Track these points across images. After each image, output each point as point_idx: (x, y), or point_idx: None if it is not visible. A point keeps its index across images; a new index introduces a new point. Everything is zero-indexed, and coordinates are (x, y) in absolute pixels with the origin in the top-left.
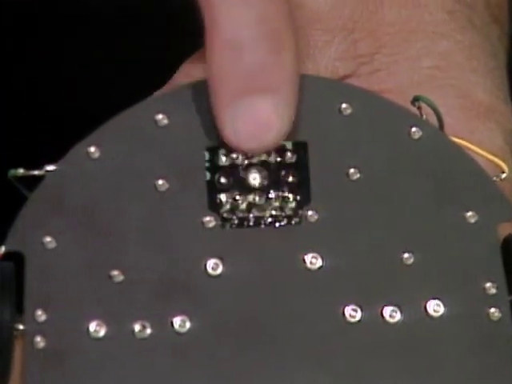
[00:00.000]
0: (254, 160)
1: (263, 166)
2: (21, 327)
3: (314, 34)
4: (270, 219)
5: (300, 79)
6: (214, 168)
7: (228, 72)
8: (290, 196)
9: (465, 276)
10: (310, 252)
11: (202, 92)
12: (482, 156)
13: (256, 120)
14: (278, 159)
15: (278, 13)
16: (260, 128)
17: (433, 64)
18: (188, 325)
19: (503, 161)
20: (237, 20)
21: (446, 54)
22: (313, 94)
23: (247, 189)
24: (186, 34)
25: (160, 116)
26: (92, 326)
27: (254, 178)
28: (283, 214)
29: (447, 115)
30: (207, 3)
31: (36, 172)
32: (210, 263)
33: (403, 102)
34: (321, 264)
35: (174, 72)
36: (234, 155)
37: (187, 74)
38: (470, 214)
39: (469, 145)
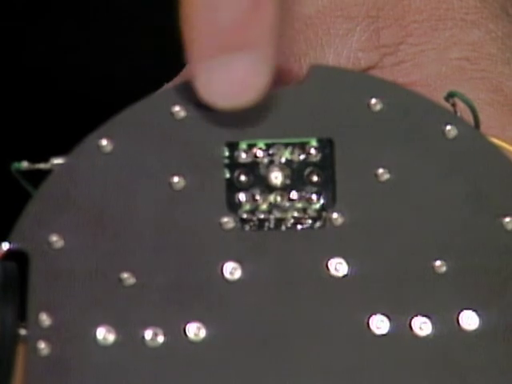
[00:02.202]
0: (277, 158)
1: (286, 164)
2: (24, 332)
3: (335, 22)
4: (291, 221)
5: (326, 72)
6: (234, 165)
7: (202, 29)
8: (314, 197)
9: (501, 286)
10: (334, 258)
11: None
12: None
13: (232, 79)
14: (302, 157)
15: None
16: (236, 88)
17: (462, 55)
18: (203, 333)
19: None
20: None
21: (476, 44)
22: (339, 88)
23: (268, 188)
24: None
25: (177, 108)
26: (100, 333)
27: (276, 177)
28: (306, 216)
29: (477, 110)
30: None
31: (42, 165)
32: (228, 267)
33: (430, 96)
34: (346, 271)
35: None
36: (255, 152)
37: None
38: (507, 219)
39: (506, 145)
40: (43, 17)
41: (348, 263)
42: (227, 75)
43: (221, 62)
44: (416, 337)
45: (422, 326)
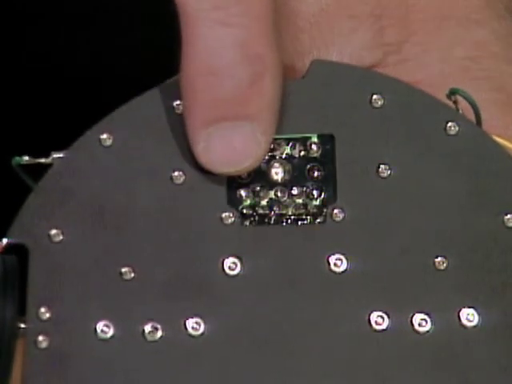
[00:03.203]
0: (277, 153)
1: (287, 159)
2: (23, 326)
3: (339, 20)
4: (292, 217)
5: (328, 67)
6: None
7: (202, 97)
8: (315, 193)
9: (502, 284)
10: (334, 253)
11: None
12: None
13: (232, 147)
14: (303, 153)
15: (260, 35)
16: (236, 156)
17: (466, 54)
18: (202, 327)
19: None
20: (214, 43)
21: (480, 43)
22: (341, 84)
23: (269, 183)
24: None
25: (177, 102)
26: (99, 326)
27: (277, 173)
28: (307, 211)
29: (480, 109)
30: (185, 20)
31: (43, 160)
32: (228, 262)
33: (433, 94)
34: (346, 266)
35: None
36: None
37: None
38: (508, 216)
39: (508, 143)
40: (43, 17)
41: (348, 259)
42: (226, 143)
43: (220, 130)
44: (416, 334)
45: (421, 323)
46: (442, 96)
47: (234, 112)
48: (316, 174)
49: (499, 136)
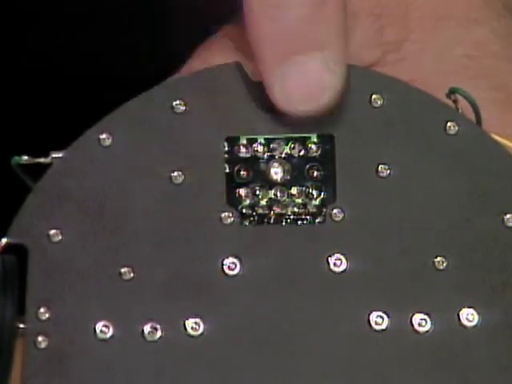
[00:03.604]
0: (277, 153)
1: (286, 159)
2: (22, 326)
3: None
4: (291, 217)
5: None
6: (234, 160)
7: (270, 33)
8: (314, 192)
9: (502, 283)
10: (334, 253)
11: (221, 78)
12: None
13: (308, 81)
14: (302, 152)
15: None
16: (314, 88)
17: (465, 53)
18: (201, 328)
19: None
20: None
21: (479, 42)
22: None
23: (268, 183)
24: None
25: (177, 102)
26: (98, 327)
27: (276, 172)
28: (306, 211)
29: (480, 108)
30: None
31: (42, 159)
32: (227, 262)
33: (432, 93)
34: (345, 266)
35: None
36: (256, 147)
37: (204, 60)
38: (508, 216)
39: (508, 142)
40: (43, 17)
41: (348, 259)
42: (302, 78)
43: (294, 65)
44: (416, 333)
45: (421, 322)
46: (441, 95)
47: (303, 43)
48: (315, 173)
49: (499, 135)
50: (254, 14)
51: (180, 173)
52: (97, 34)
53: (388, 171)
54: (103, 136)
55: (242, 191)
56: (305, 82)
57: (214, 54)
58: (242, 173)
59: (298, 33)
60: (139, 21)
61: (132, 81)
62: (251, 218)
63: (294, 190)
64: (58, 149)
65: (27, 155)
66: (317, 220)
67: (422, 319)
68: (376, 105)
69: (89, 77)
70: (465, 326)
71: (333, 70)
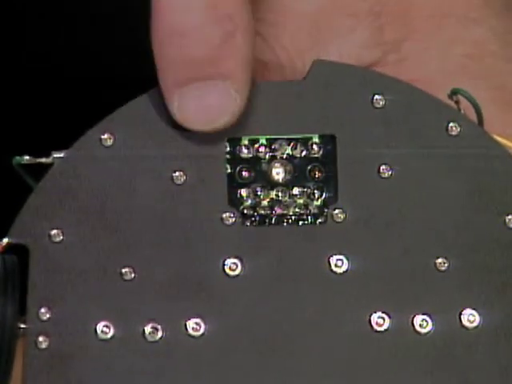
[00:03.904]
0: (278, 153)
1: (288, 159)
2: (23, 325)
3: (338, 19)
4: (293, 217)
5: (329, 68)
6: (235, 160)
7: (172, 58)
8: (316, 193)
9: (503, 284)
10: (335, 254)
11: None
12: None
13: (206, 104)
14: (304, 153)
15: None
16: (211, 113)
17: (465, 52)
18: (202, 328)
19: None
20: (182, 4)
21: (479, 41)
22: (342, 84)
23: (270, 184)
24: None
25: None
26: (99, 327)
27: (278, 173)
28: (308, 212)
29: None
30: None
31: (43, 159)
32: (228, 263)
33: (432, 93)
34: (347, 267)
35: None
36: (257, 147)
37: None
38: (510, 217)
39: (509, 143)
40: (43, 17)
41: (349, 260)
42: (200, 102)
43: (193, 90)
44: (417, 334)
45: (422, 324)
46: (442, 95)
47: (206, 72)
48: (317, 174)
49: (500, 136)
50: (159, 38)
51: (181, 173)
52: (97, 34)
53: (390, 172)
54: (105, 136)
55: (244, 192)
56: (203, 105)
57: None
58: (243, 173)
59: (202, 61)
60: (139, 21)
61: (132, 81)
62: (253, 219)
63: (295, 191)
64: (58, 149)
65: (28, 155)
66: (318, 220)
67: (423, 320)
68: (378, 105)
69: (89, 77)
70: (466, 327)
71: (233, 98)
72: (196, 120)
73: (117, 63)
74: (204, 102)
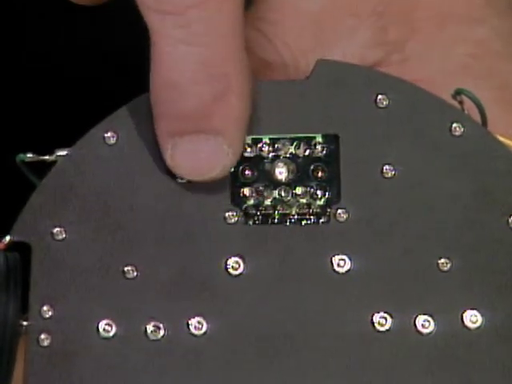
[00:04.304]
0: (282, 153)
1: (291, 159)
2: (25, 323)
3: (341, 19)
4: (296, 217)
5: (333, 67)
6: (238, 159)
7: (166, 109)
8: (319, 192)
9: (506, 285)
10: (337, 254)
11: None
12: None
13: (198, 157)
14: (307, 152)
15: (224, 54)
16: (201, 166)
17: (467, 52)
18: (205, 327)
19: None
20: (177, 60)
21: (481, 41)
22: (346, 84)
23: (273, 183)
24: None
25: None
26: (101, 325)
27: (281, 172)
28: (310, 211)
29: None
30: (151, 37)
31: (46, 157)
32: (231, 262)
33: (435, 93)
34: (349, 267)
35: None
36: (260, 146)
37: None
38: None
39: None
40: (43, 17)
41: (352, 259)
42: (191, 154)
43: (185, 142)
44: (419, 335)
45: (425, 324)
46: (445, 95)
47: (198, 126)
48: (320, 173)
49: (503, 136)
50: (155, 89)
51: None
52: (97, 34)
53: (393, 172)
54: (108, 134)
55: (247, 191)
56: (194, 158)
57: None
58: (246, 172)
59: (194, 116)
60: (140, 21)
61: (132, 81)
62: (255, 218)
63: (298, 190)
64: (61, 147)
65: (31, 153)
66: (321, 220)
67: (425, 320)
68: (381, 105)
69: (89, 77)
70: (468, 328)
71: (225, 153)
72: (187, 171)
73: (117, 63)
74: (195, 155)
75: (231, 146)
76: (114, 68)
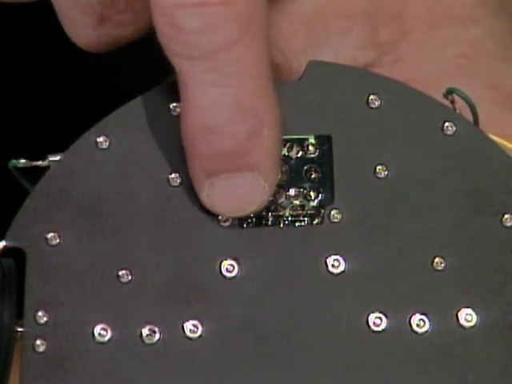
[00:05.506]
0: None
1: (284, 160)
2: (21, 329)
3: (333, 20)
4: (289, 218)
5: (325, 68)
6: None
7: (202, 152)
8: (312, 194)
9: (500, 283)
10: (332, 255)
11: None
12: None
13: (235, 195)
14: (300, 154)
15: (254, 91)
16: (240, 202)
17: (460, 52)
18: (200, 330)
19: None
20: (209, 103)
21: (474, 41)
22: (338, 85)
23: None
24: None
25: (174, 104)
26: (97, 330)
27: None
28: (304, 213)
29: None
30: (181, 81)
31: (39, 162)
32: (225, 264)
33: (428, 93)
34: (344, 267)
35: None
36: None
37: None
38: (506, 216)
39: (505, 142)
40: (43, 16)
41: (346, 260)
42: (229, 192)
43: (222, 180)
44: (414, 334)
45: (420, 323)
46: (437, 95)
47: (235, 164)
48: (313, 175)
49: (496, 135)
50: (188, 134)
51: (178, 175)
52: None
53: (386, 172)
54: (100, 139)
55: None
56: (232, 195)
57: None
58: None
59: (230, 155)
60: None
61: (132, 81)
62: (249, 220)
63: (291, 192)
64: (54, 152)
65: (24, 158)
66: (315, 221)
67: (420, 320)
68: (373, 106)
69: (88, 78)
70: (463, 327)
71: (262, 187)
72: (225, 208)
73: (115, 65)
74: (233, 192)
75: (267, 180)
76: (112, 71)
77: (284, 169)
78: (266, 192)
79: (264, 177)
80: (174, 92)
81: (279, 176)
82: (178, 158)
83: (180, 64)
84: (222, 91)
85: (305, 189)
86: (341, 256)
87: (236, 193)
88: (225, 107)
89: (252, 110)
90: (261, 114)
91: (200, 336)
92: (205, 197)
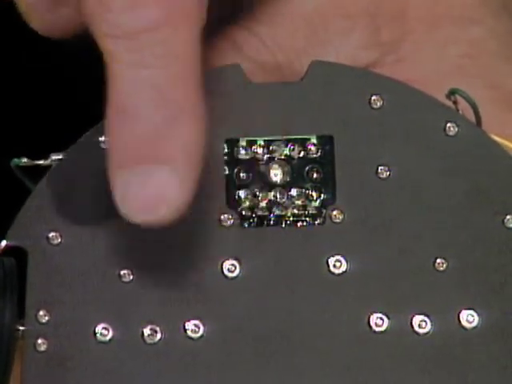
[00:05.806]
0: (276, 154)
1: (285, 160)
2: (22, 328)
3: (334, 20)
4: (291, 218)
5: (327, 68)
6: (233, 162)
7: (116, 137)
8: (314, 194)
9: (501, 284)
10: (333, 255)
11: (221, 79)
12: None
13: (147, 192)
14: (302, 154)
15: (178, 77)
16: (152, 201)
17: (461, 52)
18: (201, 330)
19: None
20: (129, 83)
21: (475, 41)
22: (340, 85)
23: (268, 185)
24: None
25: None
26: (98, 329)
27: (276, 174)
28: (306, 213)
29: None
30: (105, 60)
31: (41, 161)
32: (227, 264)
33: (429, 93)
34: (345, 268)
35: None
36: (255, 148)
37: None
38: (508, 217)
39: (507, 142)
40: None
41: (348, 260)
42: (142, 189)
43: (136, 174)
44: (416, 335)
45: (421, 324)
46: (439, 95)
47: (149, 154)
48: (315, 175)
49: (498, 135)
50: (108, 116)
51: None
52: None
53: (388, 172)
54: (102, 138)
55: (242, 193)
56: (144, 193)
57: (244, 35)
58: (241, 175)
59: (145, 143)
60: None
61: None
62: (251, 220)
63: (293, 192)
64: (56, 151)
65: (26, 157)
66: (316, 221)
67: (421, 321)
68: (375, 106)
69: (89, 78)
70: (464, 327)
71: (177, 185)
72: (137, 209)
73: None
74: (144, 190)
75: (183, 179)
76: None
77: (286, 169)
78: (181, 194)
79: (180, 174)
80: None
81: (196, 178)
82: None
83: (105, 43)
84: (143, 73)
85: (306, 189)
86: (342, 256)
87: (148, 191)
88: (143, 89)
89: (172, 97)
90: (181, 104)
91: (201, 336)
92: (119, 198)
